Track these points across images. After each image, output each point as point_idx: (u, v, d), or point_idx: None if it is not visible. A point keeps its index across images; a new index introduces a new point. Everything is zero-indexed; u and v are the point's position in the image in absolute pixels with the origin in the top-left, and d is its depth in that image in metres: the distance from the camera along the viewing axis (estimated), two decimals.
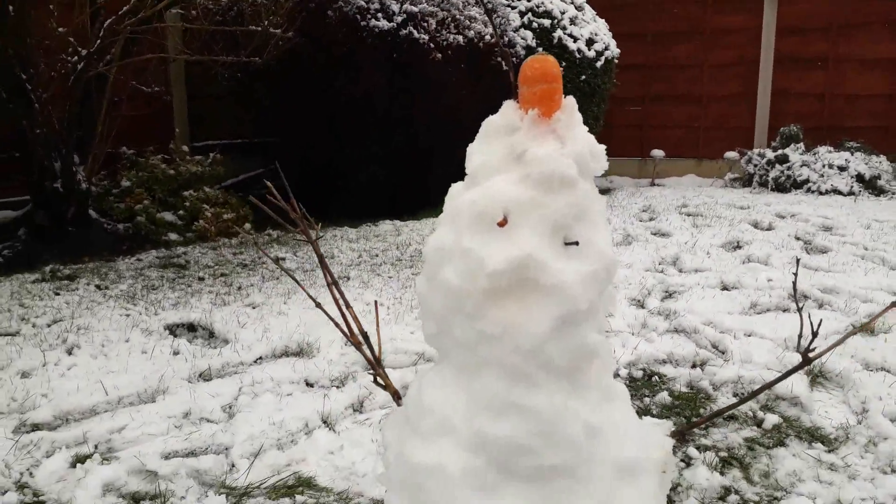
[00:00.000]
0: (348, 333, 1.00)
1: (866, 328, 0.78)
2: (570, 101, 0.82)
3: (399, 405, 0.99)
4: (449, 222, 0.86)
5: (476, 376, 0.84)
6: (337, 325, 1.00)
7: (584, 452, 0.83)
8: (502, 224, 0.78)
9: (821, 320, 0.83)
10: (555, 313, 0.79)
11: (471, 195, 0.83)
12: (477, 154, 0.85)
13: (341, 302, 1.01)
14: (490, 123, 0.85)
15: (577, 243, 0.80)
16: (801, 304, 0.83)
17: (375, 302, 1.05)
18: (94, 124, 4.68)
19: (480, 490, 0.82)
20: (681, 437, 0.88)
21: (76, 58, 4.36)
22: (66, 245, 4.54)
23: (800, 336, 0.83)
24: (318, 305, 1.00)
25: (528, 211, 0.79)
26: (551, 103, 0.80)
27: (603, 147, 0.84)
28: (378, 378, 0.99)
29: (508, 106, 0.84)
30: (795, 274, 0.85)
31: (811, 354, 0.84)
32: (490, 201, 0.80)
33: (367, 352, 1.00)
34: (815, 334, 0.84)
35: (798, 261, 0.90)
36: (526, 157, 0.80)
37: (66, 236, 4.62)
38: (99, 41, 4.24)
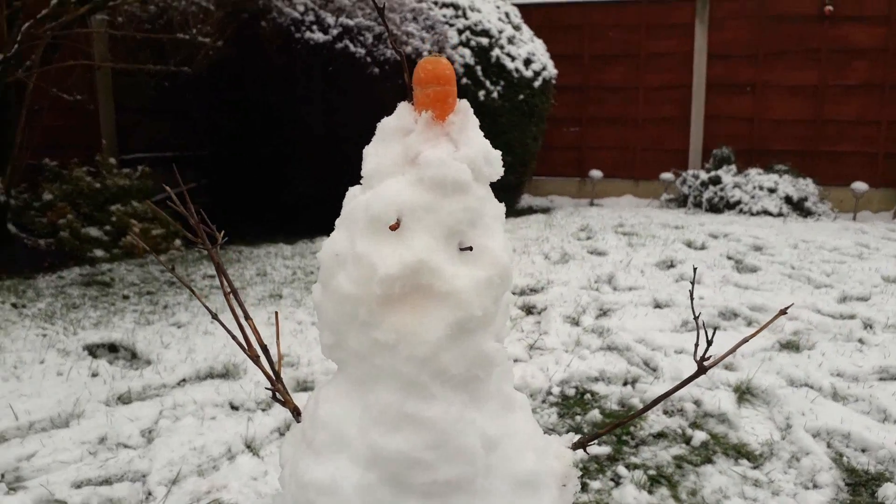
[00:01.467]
0: (245, 346, 0.95)
1: (754, 336, 0.77)
2: (464, 105, 0.80)
3: (299, 422, 0.94)
4: (344, 226, 0.82)
5: (371, 388, 0.80)
6: (234, 337, 0.95)
7: (482, 465, 0.79)
8: (394, 227, 0.75)
9: (715, 329, 0.82)
10: (449, 320, 0.76)
11: (365, 198, 0.80)
12: (372, 156, 0.82)
13: (240, 313, 0.96)
14: (385, 125, 0.82)
15: (471, 248, 0.77)
16: (697, 314, 0.83)
17: (276, 313, 1.00)
18: (12, 134, 4.47)
19: None
20: (582, 447, 0.86)
21: None
22: None
23: (696, 346, 0.82)
24: (215, 317, 0.95)
25: (421, 215, 0.76)
26: (445, 106, 0.78)
27: (498, 153, 0.82)
28: (277, 394, 0.94)
29: (403, 107, 0.81)
30: (692, 283, 0.84)
31: (706, 363, 0.83)
32: (383, 204, 0.77)
33: (266, 366, 0.95)
34: (709, 343, 0.83)
35: (695, 270, 0.90)
36: (419, 160, 0.77)
37: None
38: (17, 46, 4.06)
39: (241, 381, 2.82)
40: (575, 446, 0.88)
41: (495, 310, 0.80)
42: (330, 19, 5.39)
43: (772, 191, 7.69)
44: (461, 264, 0.77)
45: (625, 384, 2.89)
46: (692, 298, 0.85)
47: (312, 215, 5.71)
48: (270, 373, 0.95)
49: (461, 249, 0.77)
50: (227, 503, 2.05)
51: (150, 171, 5.48)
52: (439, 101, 0.77)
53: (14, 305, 3.72)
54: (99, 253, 4.71)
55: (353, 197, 0.83)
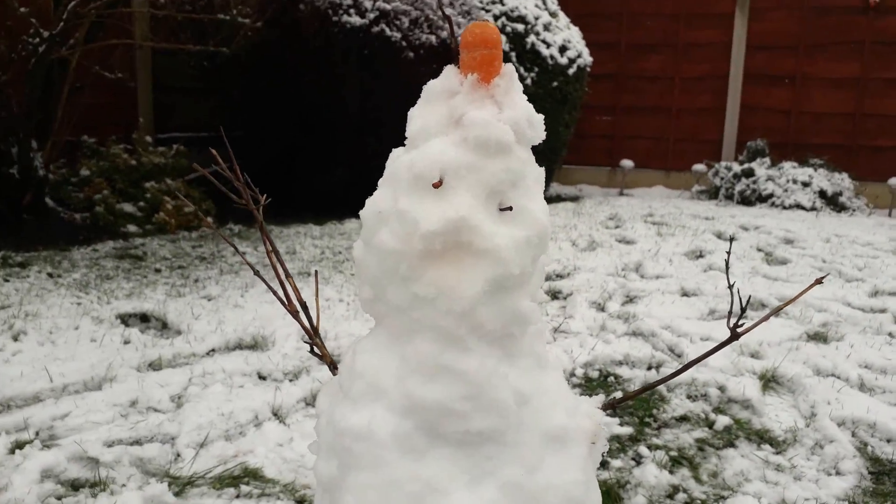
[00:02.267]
0: (286, 301, 0.99)
1: (786, 306, 0.78)
2: (509, 68, 0.82)
3: (335, 375, 0.97)
4: (387, 185, 0.85)
5: (409, 340, 0.83)
6: (274, 292, 0.98)
7: (513, 418, 0.82)
8: (437, 185, 0.77)
9: (749, 296, 0.84)
10: (487, 276, 0.78)
11: (409, 157, 0.82)
12: (417, 118, 0.84)
13: (280, 272, 1.00)
14: (430, 87, 0.85)
15: (511, 208, 0.79)
16: (732, 282, 0.83)
17: (315, 272, 1.04)
18: (54, 110, 4.58)
19: (409, 454, 0.81)
20: (611, 408, 0.88)
21: (38, 40, 4.26)
22: (21, 233, 4.43)
23: (729, 312, 0.84)
24: (256, 273, 0.98)
25: (464, 174, 0.79)
26: (490, 69, 0.80)
27: (541, 117, 0.84)
28: (315, 348, 0.97)
29: (449, 70, 0.84)
30: (728, 252, 0.85)
31: (739, 330, 0.84)
32: (427, 163, 0.79)
33: (304, 320, 0.98)
34: (743, 310, 0.84)
35: (731, 239, 0.91)
36: (464, 120, 0.79)
37: (20, 224, 4.51)
38: (62, 24, 4.15)
39: (270, 353, 2.88)
40: (605, 407, 0.90)
41: (532, 270, 0.82)
42: (367, 3, 5.41)
43: (805, 184, 7.59)
44: (501, 223, 0.80)
45: (649, 368, 2.89)
46: (728, 267, 0.86)
47: (344, 198, 5.76)
48: (309, 327, 0.98)
49: (501, 209, 0.80)
50: (252, 467, 2.10)
51: (184, 149, 5.57)
52: (485, 63, 0.79)
53: (50, 275, 3.82)
54: (132, 228, 4.81)
55: (397, 157, 0.86)
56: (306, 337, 3.04)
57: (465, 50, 0.81)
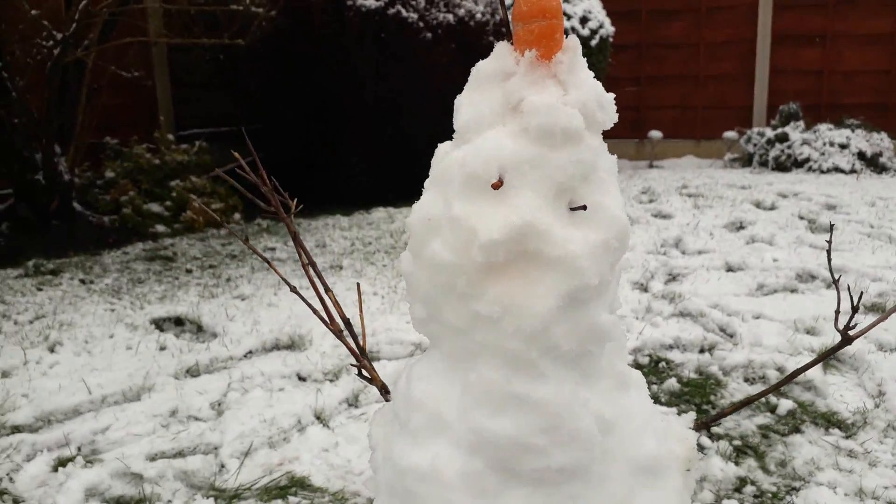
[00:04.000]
0: (328, 321, 0.88)
1: (891, 313, 0.67)
2: (573, 41, 0.70)
3: (387, 400, 0.87)
4: (436, 187, 0.74)
5: (471, 366, 0.72)
6: (314, 311, 0.88)
7: (598, 450, 0.71)
8: (497, 186, 0.66)
9: (861, 293, 0.72)
10: (561, 289, 0.67)
11: (460, 154, 0.71)
12: (466, 106, 0.72)
13: (320, 286, 0.89)
14: (480, 70, 0.72)
15: (584, 207, 0.68)
16: (837, 276, 0.73)
17: (358, 285, 0.93)
18: (74, 113, 4.53)
19: (480, 496, 0.71)
20: (705, 428, 0.77)
21: (52, 42, 4.21)
22: (50, 239, 4.41)
23: (837, 312, 0.72)
24: (294, 290, 0.88)
25: (527, 171, 0.67)
26: (551, 43, 0.68)
27: (612, 96, 0.72)
28: (363, 370, 0.87)
29: (502, 47, 0.71)
30: (829, 241, 0.73)
31: (851, 332, 0.72)
32: (482, 160, 0.68)
33: (350, 341, 0.88)
34: (855, 309, 0.72)
35: (832, 226, 0.79)
36: (523, 106, 0.67)
37: (49, 230, 4.49)
38: (75, 24, 4.08)
39: (308, 353, 2.81)
40: (697, 427, 0.78)
41: (611, 277, 0.70)
42: None
43: (843, 147, 7.31)
44: (573, 226, 0.68)
45: (701, 351, 2.76)
46: (829, 258, 0.74)
47: (365, 186, 5.67)
48: (355, 348, 0.88)
49: (572, 209, 0.68)
50: (299, 475, 2.03)
51: (206, 146, 5.51)
52: (545, 37, 0.67)
53: (82, 281, 3.79)
54: (161, 228, 4.77)
55: (445, 154, 0.74)
56: (345, 333, 2.94)
57: (519, 22, 0.69)
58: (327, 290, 0.89)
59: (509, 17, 0.71)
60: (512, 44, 0.71)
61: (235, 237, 4.71)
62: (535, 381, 0.69)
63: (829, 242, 0.74)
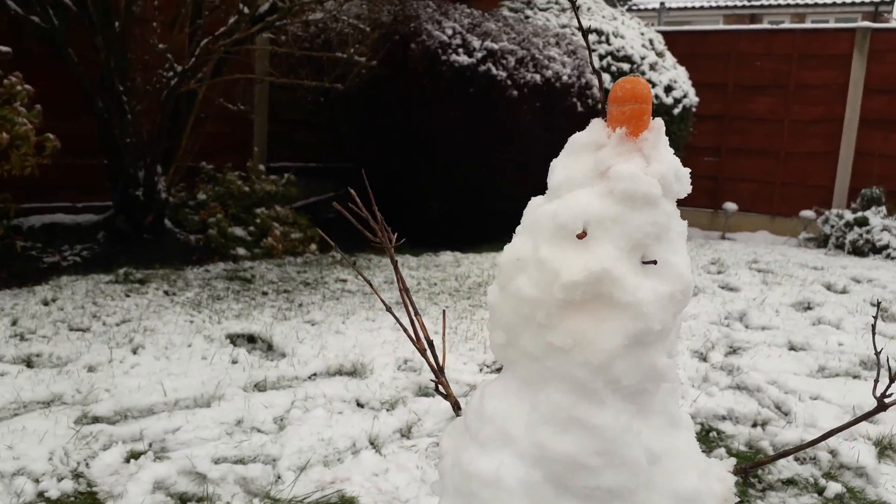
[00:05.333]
0: (415, 339, 1.01)
1: None
2: (658, 123, 0.82)
3: (458, 415, 0.98)
4: (527, 233, 0.86)
5: (541, 389, 0.83)
6: (405, 329, 1.01)
7: (644, 477, 0.80)
8: (581, 236, 0.78)
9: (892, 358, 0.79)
10: (628, 331, 0.78)
11: (552, 206, 0.83)
12: (561, 168, 0.85)
13: (411, 309, 1.02)
14: (576, 140, 0.86)
15: (655, 262, 0.79)
16: (880, 349, 0.78)
17: (444, 311, 1.05)
18: (180, 138, 4.89)
19: (536, 503, 0.81)
20: (744, 474, 0.85)
21: (171, 73, 4.59)
22: (141, 251, 4.72)
23: (876, 380, 0.80)
24: (388, 309, 1.01)
25: (608, 226, 0.79)
26: (640, 123, 0.81)
27: (688, 170, 0.83)
28: (440, 387, 0.99)
29: (596, 123, 0.84)
30: (875, 317, 0.81)
31: (888, 400, 0.80)
32: (571, 213, 0.80)
33: (431, 359, 1.00)
34: (893, 379, 0.80)
35: (878, 304, 0.87)
36: (610, 173, 0.80)
37: (141, 242, 4.80)
38: (194, 59, 4.45)
39: (368, 381, 2.93)
40: (737, 472, 0.87)
41: (672, 325, 0.81)
42: (475, 42, 5.53)
43: None
44: (644, 277, 0.79)
45: (754, 426, 2.76)
46: (874, 330, 0.82)
47: (438, 231, 5.86)
48: (435, 366, 1.00)
49: (644, 262, 0.79)
50: (349, 495, 2.13)
51: (294, 178, 5.82)
52: (635, 118, 0.80)
53: (166, 293, 4.04)
54: (241, 251, 5.03)
55: (538, 206, 0.87)
56: (404, 366, 3.06)
57: (613, 104, 0.82)
58: (417, 313, 1.02)
59: (596, 89, 0.84)
60: (605, 120, 0.83)
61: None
62: (596, 408, 0.80)
63: (875, 318, 0.82)
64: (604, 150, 0.82)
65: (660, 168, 0.80)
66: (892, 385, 0.81)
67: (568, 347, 0.79)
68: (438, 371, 0.99)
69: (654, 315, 0.78)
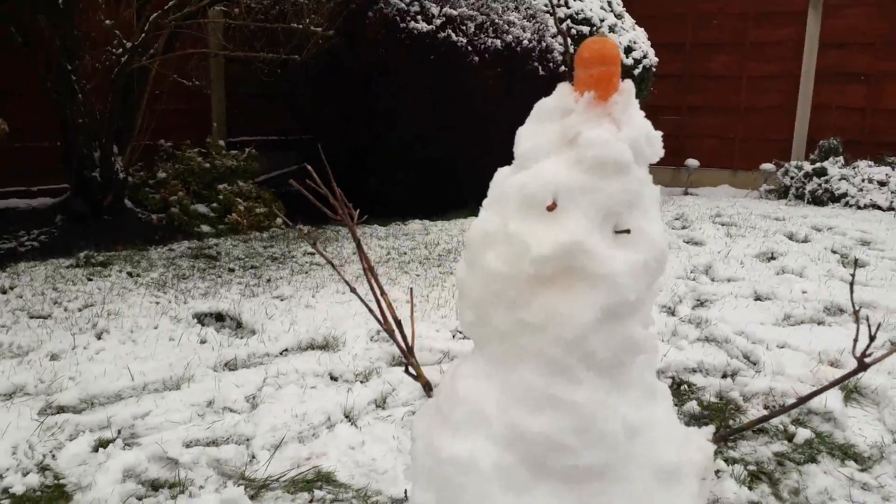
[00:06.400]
0: (381, 320, 0.98)
1: None
2: (628, 85, 0.79)
3: (430, 397, 0.96)
4: (494, 206, 0.83)
5: (513, 368, 0.81)
6: (371, 310, 0.98)
7: (623, 452, 0.79)
8: (552, 208, 0.75)
9: (879, 324, 0.78)
10: (601, 303, 0.75)
11: (519, 178, 0.80)
12: (527, 137, 0.82)
13: (376, 289, 0.99)
14: (542, 105, 0.82)
15: (628, 231, 0.76)
16: (858, 307, 0.78)
17: (411, 290, 1.02)
18: (134, 116, 4.73)
19: (512, 488, 0.79)
20: (723, 441, 0.84)
21: (120, 50, 4.42)
22: (101, 233, 4.59)
23: (855, 340, 0.79)
24: (353, 291, 0.98)
25: (578, 196, 0.76)
26: (608, 86, 0.77)
27: (659, 133, 0.81)
28: (410, 367, 0.96)
29: (563, 87, 0.81)
30: (853, 275, 0.80)
31: (867, 360, 0.79)
32: (540, 184, 0.77)
33: (400, 339, 0.97)
34: (872, 338, 0.79)
35: (856, 261, 0.86)
36: (579, 140, 0.77)
37: (101, 224, 4.67)
38: (143, 35, 4.29)
39: (340, 354, 2.90)
40: (716, 439, 0.86)
41: (647, 295, 0.79)
42: (434, 9, 5.42)
43: (882, 184, 7.26)
44: (616, 247, 0.77)
45: (724, 377, 2.80)
46: (852, 289, 0.81)
47: (404, 198, 5.81)
48: (404, 346, 0.97)
49: (617, 232, 0.77)
50: (325, 470, 2.11)
51: (255, 153, 5.70)
52: (603, 80, 0.76)
53: (130, 274, 3.94)
54: (206, 228, 4.93)
55: (505, 178, 0.83)
56: (377, 337, 3.02)
57: (580, 67, 0.78)
58: (383, 293, 0.99)
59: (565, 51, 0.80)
60: (572, 84, 0.80)
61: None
62: (572, 385, 0.78)
63: (853, 276, 0.81)
64: (572, 116, 0.78)
65: (631, 133, 0.77)
66: (872, 344, 0.80)
67: (540, 323, 0.77)
68: (407, 352, 0.97)
69: (628, 286, 0.75)
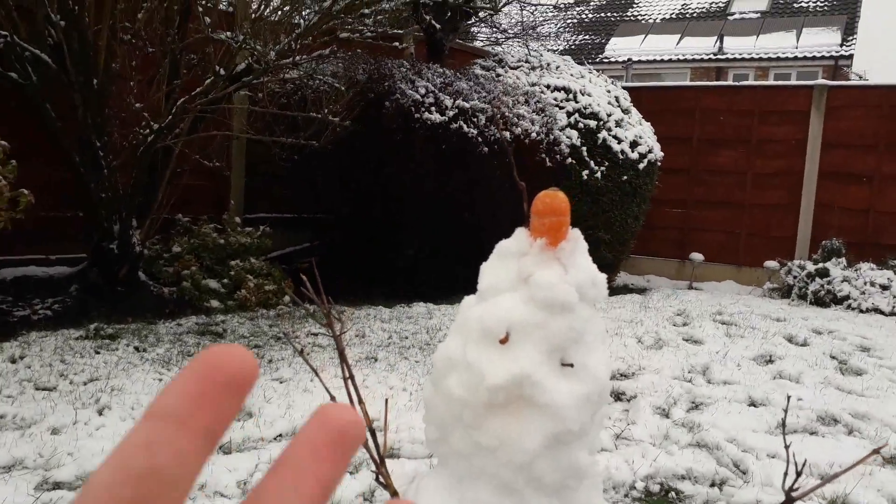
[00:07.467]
0: None
1: (834, 478, 0.76)
2: (576, 233, 0.89)
3: None
4: (458, 333, 0.93)
5: (470, 485, 0.89)
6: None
7: None
8: (504, 341, 0.85)
9: (805, 461, 0.86)
10: (547, 431, 0.84)
11: (479, 310, 0.90)
12: (489, 273, 0.92)
13: (354, 398, 1.08)
14: (503, 246, 0.93)
15: (572, 365, 0.85)
16: (788, 444, 0.82)
17: (386, 401, 1.11)
18: (155, 192, 4.94)
19: None
20: None
21: (147, 130, 4.67)
22: (114, 304, 4.71)
23: (785, 473, 0.86)
24: (332, 399, 1.06)
25: (530, 331, 0.86)
26: (558, 234, 0.88)
27: (604, 276, 0.91)
28: (380, 477, 1.04)
29: (520, 232, 0.92)
30: (786, 411, 0.88)
31: (794, 493, 0.86)
32: (495, 318, 0.87)
33: (373, 449, 1.05)
34: (798, 473, 0.86)
35: (788, 399, 0.93)
36: (531, 281, 0.87)
37: (114, 295, 4.80)
38: (171, 117, 4.54)
39: None
40: None
41: (591, 425, 0.87)
42: (448, 101, 5.70)
43: (884, 287, 7.31)
44: (562, 378, 0.86)
45: (712, 485, 2.81)
46: (784, 425, 0.89)
47: (414, 282, 5.97)
48: (376, 456, 1.05)
49: (563, 365, 0.86)
50: None
51: (270, 230, 5.89)
52: (553, 229, 0.87)
53: (136, 349, 4.03)
54: (215, 303, 5.04)
55: (469, 307, 0.93)
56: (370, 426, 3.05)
57: (535, 216, 0.90)
58: (360, 401, 1.07)
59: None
60: (529, 230, 0.91)
61: (282, 319, 4.96)
62: None
63: (786, 411, 0.89)
64: (527, 258, 0.89)
65: (577, 276, 0.87)
66: (799, 479, 0.87)
67: (493, 447, 0.85)
68: (379, 462, 1.04)
69: (571, 416, 0.84)
